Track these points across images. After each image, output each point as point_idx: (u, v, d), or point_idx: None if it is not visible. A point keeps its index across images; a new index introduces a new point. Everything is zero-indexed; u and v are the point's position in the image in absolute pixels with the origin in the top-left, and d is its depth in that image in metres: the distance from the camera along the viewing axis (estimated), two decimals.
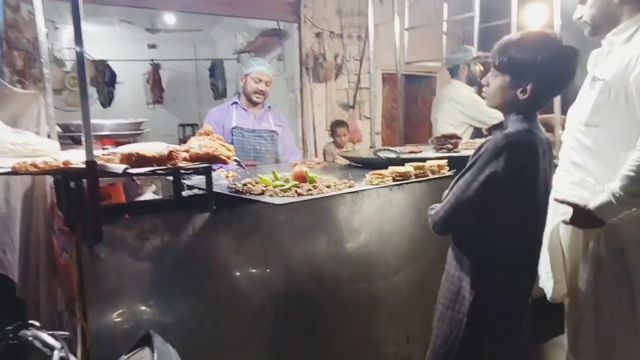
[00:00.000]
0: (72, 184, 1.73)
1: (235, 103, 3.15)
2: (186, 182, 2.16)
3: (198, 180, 2.13)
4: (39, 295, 1.97)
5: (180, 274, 1.68)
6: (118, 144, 2.52)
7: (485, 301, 1.51)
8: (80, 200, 1.62)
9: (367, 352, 2.13)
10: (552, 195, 1.69)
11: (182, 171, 1.86)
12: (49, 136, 2.09)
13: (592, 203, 1.67)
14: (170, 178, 2.10)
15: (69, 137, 2.67)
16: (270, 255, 1.89)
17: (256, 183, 1.99)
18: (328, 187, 1.96)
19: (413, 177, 2.17)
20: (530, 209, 1.54)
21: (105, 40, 5.74)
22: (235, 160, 1.78)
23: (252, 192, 1.89)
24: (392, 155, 2.51)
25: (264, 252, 1.87)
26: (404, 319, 2.22)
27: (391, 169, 2.16)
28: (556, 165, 1.87)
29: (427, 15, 4.36)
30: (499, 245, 1.52)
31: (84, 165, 1.45)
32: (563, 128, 2.04)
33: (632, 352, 1.77)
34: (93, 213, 1.48)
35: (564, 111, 2.06)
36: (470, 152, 1.73)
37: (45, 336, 1.10)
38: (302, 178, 1.99)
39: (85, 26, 1.42)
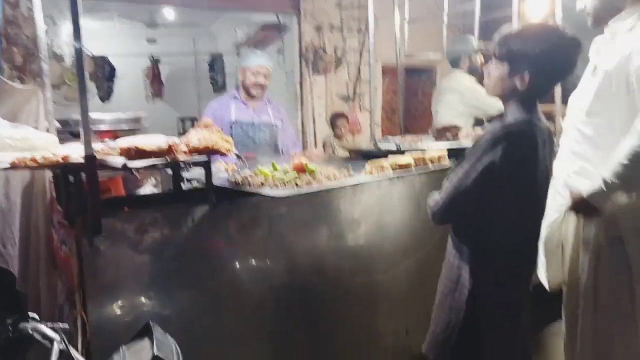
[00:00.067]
0: (72, 179, 1.73)
1: (235, 96, 3.14)
2: (186, 175, 2.16)
3: (198, 173, 2.13)
4: (39, 289, 1.98)
5: (180, 267, 1.68)
6: (117, 138, 2.52)
7: (483, 291, 1.51)
8: (79, 194, 1.62)
9: (367, 344, 2.14)
10: (552, 184, 1.68)
11: (181, 164, 1.86)
12: (48, 131, 2.09)
13: (586, 191, 1.68)
14: (170, 171, 2.10)
15: (68, 133, 2.67)
16: (270, 247, 1.89)
17: (256, 176, 1.99)
18: (328, 179, 1.96)
19: (413, 168, 2.17)
20: (530, 199, 1.53)
21: (104, 36, 5.73)
22: (235, 153, 1.77)
23: (252, 185, 1.88)
24: (393, 147, 2.50)
25: (264, 244, 1.88)
26: (404, 311, 2.22)
27: (391, 160, 2.16)
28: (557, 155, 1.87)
29: (428, 8, 4.33)
30: (497, 235, 1.52)
31: (83, 160, 1.45)
32: (564, 117, 2.03)
33: (630, 340, 1.77)
34: (92, 206, 1.48)
35: (565, 101, 2.05)
36: (470, 142, 1.73)
37: (45, 329, 1.10)
38: (302, 170, 1.99)
39: (84, 22, 1.41)
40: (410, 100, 5.89)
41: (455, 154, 2.20)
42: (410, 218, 2.19)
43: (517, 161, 1.43)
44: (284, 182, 1.88)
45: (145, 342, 1.06)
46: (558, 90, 2.55)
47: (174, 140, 1.67)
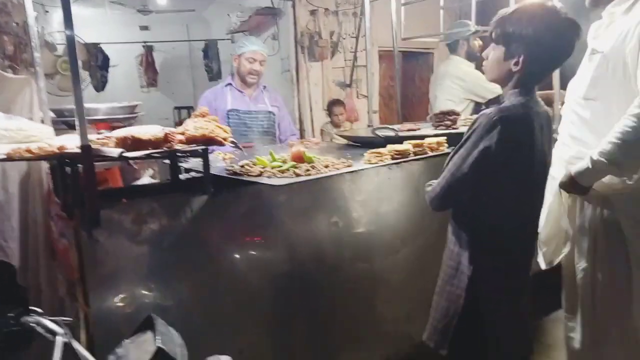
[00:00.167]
0: (68, 170, 1.71)
1: (229, 84, 3.11)
2: (183, 165, 2.15)
3: (195, 162, 2.11)
4: (39, 282, 1.98)
5: (179, 257, 1.68)
6: (113, 128, 2.50)
7: (482, 277, 1.51)
8: (76, 186, 1.61)
9: (367, 331, 2.15)
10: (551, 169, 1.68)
11: (178, 154, 1.85)
12: (42, 121, 2.06)
13: (574, 168, 1.69)
14: (167, 161, 2.08)
15: (62, 122, 2.65)
16: (269, 236, 1.89)
17: (254, 164, 1.98)
18: (326, 167, 1.95)
19: (412, 155, 2.16)
20: (527, 184, 1.53)
21: (96, 23, 5.63)
22: (232, 142, 1.76)
23: (249, 173, 1.88)
24: (391, 134, 2.49)
25: (263, 233, 1.87)
26: (403, 298, 2.24)
27: (390, 147, 2.15)
28: (555, 140, 1.87)
29: None
30: (495, 220, 1.51)
31: (79, 150, 1.43)
32: (562, 103, 2.03)
33: (627, 323, 1.80)
34: (90, 198, 1.47)
35: (564, 86, 2.04)
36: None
37: (47, 322, 1.10)
38: (299, 158, 1.98)
39: (75, 9, 1.39)
40: (407, 85, 5.85)
41: (454, 140, 2.19)
42: (410, 204, 2.19)
43: (512, 146, 1.42)
44: (282, 170, 1.88)
45: (148, 335, 1.06)
46: (556, 75, 2.53)
47: (171, 129, 1.66)
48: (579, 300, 1.89)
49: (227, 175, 1.93)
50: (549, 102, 2.42)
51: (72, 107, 1.44)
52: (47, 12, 5.02)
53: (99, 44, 5.76)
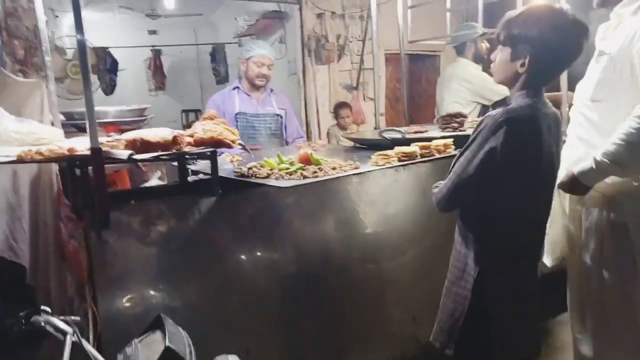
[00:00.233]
0: (78, 172, 1.73)
1: (237, 87, 3.12)
2: (191, 167, 2.16)
3: (203, 165, 2.13)
4: (49, 282, 1.99)
5: (187, 258, 1.69)
6: (122, 131, 2.52)
7: (489, 278, 1.50)
8: (86, 187, 1.62)
9: (374, 332, 2.15)
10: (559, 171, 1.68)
11: (187, 156, 1.86)
12: (52, 124, 2.09)
13: (577, 168, 1.68)
14: (175, 164, 2.10)
15: (72, 125, 2.67)
16: (277, 238, 1.89)
17: (261, 167, 1.99)
18: (333, 169, 1.95)
19: (419, 157, 2.16)
20: (533, 185, 1.52)
21: (105, 27, 5.69)
22: (240, 144, 1.77)
23: (257, 175, 1.88)
24: (398, 136, 2.49)
25: (271, 235, 1.88)
26: (411, 299, 2.23)
27: (397, 149, 2.15)
28: (564, 142, 1.86)
29: None
30: (501, 222, 1.51)
31: (89, 152, 1.45)
32: (570, 105, 2.02)
33: (635, 326, 1.78)
34: (99, 199, 1.48)
35: (572, 88, 2.03)
36: None
37: (57, 321, 1.11)
38: (307, 161, 1.99)
39: (84, 13, 1.42)
40: (414, 87, 5.84)
41: (461, 142, 2.19)
42: (417, 205, 2.19)
43: (518, 146, 1.42)
44: (290, 172, 1.88)
45: (157, 335, 1.07)
46: (564, 77, 2.52)
47: (180, 132, 1.67)
48: (585, 301, 1.88)
49: (235, 177, 1.94)
50: (557, 104, 2.42)
51: (82, 110, 1.46)
52: (56, 17, 5.08)
53: (107, 48, 5.81)
